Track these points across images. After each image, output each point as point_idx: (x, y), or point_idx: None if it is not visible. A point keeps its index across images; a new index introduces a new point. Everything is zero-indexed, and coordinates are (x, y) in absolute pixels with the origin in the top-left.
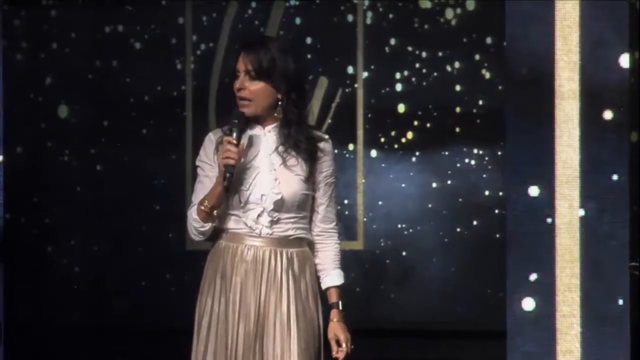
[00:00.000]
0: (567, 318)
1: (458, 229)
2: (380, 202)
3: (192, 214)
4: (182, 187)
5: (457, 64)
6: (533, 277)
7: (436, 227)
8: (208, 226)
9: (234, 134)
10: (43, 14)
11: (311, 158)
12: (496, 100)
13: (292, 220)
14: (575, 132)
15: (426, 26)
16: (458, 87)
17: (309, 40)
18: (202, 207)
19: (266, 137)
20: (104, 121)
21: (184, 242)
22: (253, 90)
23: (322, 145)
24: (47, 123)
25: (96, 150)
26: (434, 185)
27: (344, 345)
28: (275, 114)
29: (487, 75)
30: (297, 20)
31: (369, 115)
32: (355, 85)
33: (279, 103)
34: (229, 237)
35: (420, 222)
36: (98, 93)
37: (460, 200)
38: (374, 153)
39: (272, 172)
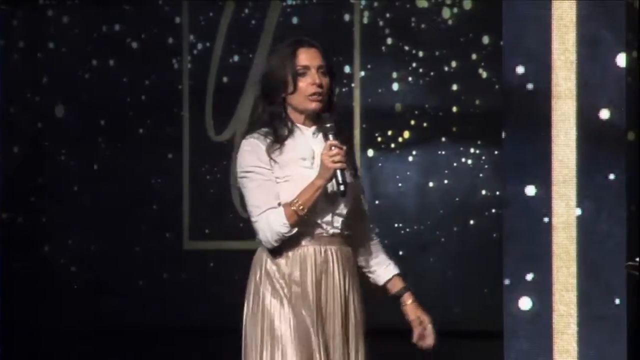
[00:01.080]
0: (563, 317)
1: (455, 229)
2: (377, 202)
3: (278, 218)
4: (179, 186)
5: (453, 64)
6: (530, 276)
7: (433, 226)
8: (294, 231)
9: (331, 137)
10: (40, 13)
11: (349, 148)
12: (493, 99)
13: (351, 214)
14: (572, 132)
15: (423, 25)
16: (455, 87)
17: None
18: (297, 210)
19: (311, 134)
20: (100, 120)
21: (181, 242)
22: (326, 86)
23: (347, 133)
24: (44, 122)
25: (93, 149)
26: (431, 184)
27: (430, 326)
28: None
29: (484, 74)
30: (294, 20)
31: (366, 115)
32: (352, 85)
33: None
34: (297, 239)
35: (417, 221)
36: (95, 92)
37: (457, 199)
38: (370, 152)
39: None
